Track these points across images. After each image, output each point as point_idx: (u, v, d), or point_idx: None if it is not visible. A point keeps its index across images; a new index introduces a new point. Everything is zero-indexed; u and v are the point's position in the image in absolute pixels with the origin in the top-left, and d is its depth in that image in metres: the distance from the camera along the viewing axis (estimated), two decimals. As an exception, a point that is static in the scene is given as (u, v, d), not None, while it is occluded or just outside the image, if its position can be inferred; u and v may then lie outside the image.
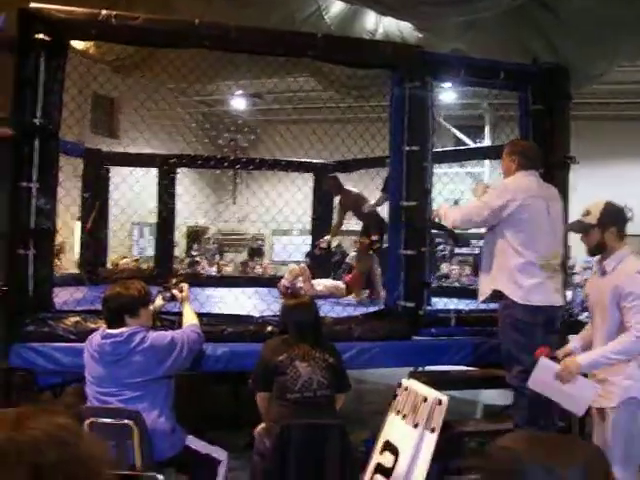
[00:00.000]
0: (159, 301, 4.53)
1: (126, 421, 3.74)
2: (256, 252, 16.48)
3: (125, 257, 13.34)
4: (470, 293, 8.19)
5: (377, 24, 10.95)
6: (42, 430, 1.14)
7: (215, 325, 4.88)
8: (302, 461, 3.72)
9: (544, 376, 4.01)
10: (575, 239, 4.50)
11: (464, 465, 4.84)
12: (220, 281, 10.48)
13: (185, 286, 4.56)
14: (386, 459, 4.47)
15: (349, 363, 4.65)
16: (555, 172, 5.40)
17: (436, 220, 5.19)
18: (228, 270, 14.41)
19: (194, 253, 15.54)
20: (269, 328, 4.86)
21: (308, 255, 14.01)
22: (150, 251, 15.36)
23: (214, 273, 12.83)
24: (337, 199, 9.05)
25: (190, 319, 4.35)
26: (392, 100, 5.26)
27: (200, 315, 4.60)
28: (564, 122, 5.62)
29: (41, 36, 4.56)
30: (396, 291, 5.19)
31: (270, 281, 9.95)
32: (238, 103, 16.62)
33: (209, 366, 4.72)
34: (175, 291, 4.54)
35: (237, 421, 5.69)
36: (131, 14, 4.78)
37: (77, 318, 4.66)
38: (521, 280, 4.57)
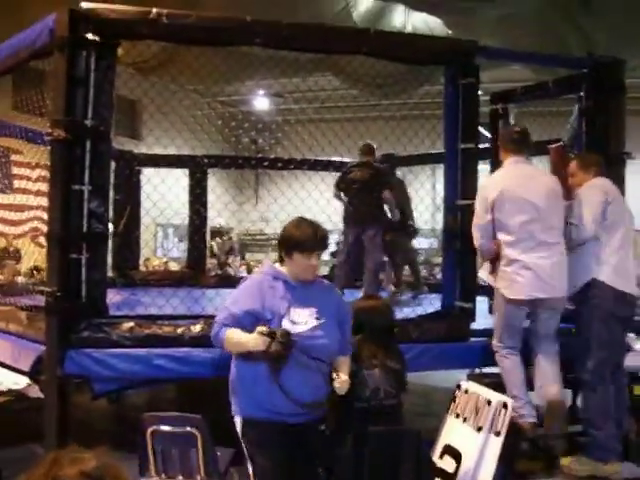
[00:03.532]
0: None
1: (189, 429, 3.64)
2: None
3: (149, 259, 13.30)
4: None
5: (405, 21, 10.87)
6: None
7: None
8: (377, 469, 3.61)
9: None
10: None
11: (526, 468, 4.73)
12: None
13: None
14: (447, 464, 4.36)
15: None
16: (611, 168, 5.27)
17: None
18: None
19: (217, 253, 15.43)
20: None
21: (333, 254, 13.91)
22: (174, 252, 15.32)
23: (245, 274, 12.68)
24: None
25: (237, 336, 3.53)
26: (446, 97, 5.13)
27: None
28: (620, 117, 5.48)
29: (91, 36, 4.46)
30: (453, 291, 5.07)
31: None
32: (260, 103, 16.50)
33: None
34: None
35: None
36: (183, 12, 4.67)
37: (131, 324, 4.56)
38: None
